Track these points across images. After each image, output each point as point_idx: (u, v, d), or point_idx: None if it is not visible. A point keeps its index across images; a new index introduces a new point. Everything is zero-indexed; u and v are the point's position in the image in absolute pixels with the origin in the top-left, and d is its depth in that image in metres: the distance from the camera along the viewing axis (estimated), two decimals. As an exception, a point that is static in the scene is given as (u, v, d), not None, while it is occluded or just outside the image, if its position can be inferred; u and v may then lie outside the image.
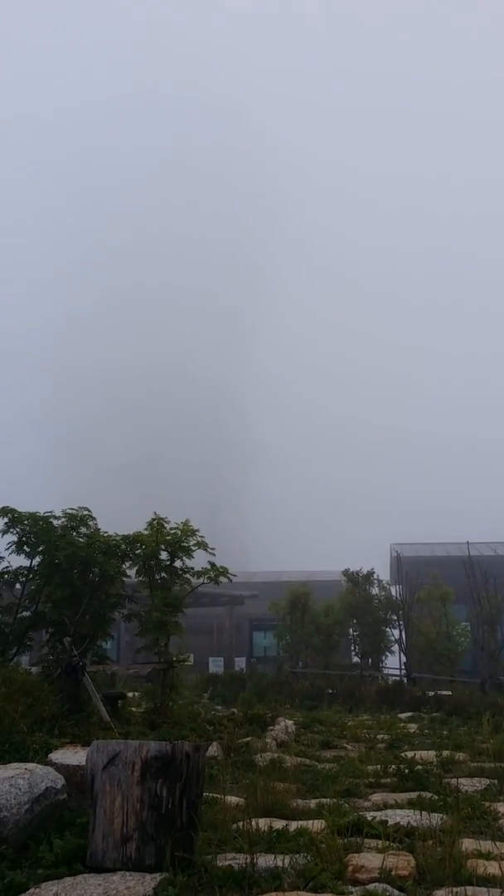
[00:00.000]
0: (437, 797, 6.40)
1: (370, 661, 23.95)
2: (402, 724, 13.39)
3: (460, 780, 7.31)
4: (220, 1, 79.51)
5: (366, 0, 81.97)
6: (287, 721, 12.14)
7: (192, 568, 11.50)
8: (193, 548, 11.34)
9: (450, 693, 17.80)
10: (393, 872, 4.22)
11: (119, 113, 76.76)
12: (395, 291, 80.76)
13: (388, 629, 24.30)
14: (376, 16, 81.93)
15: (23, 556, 10.74)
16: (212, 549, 11.44)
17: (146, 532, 11.26)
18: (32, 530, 10.58)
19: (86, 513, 11.12)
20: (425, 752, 9.50)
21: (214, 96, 79.20)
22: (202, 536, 11.41)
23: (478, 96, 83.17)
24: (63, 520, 10.90)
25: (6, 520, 10.57)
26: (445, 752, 9.29)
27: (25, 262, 73.57)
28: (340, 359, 77.34)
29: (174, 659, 11.29)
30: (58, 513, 10.95)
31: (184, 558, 11.39)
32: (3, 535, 10.61)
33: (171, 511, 11.67)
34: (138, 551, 11.18)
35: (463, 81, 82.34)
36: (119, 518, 12.76)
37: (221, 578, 11.45)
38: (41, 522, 10.62)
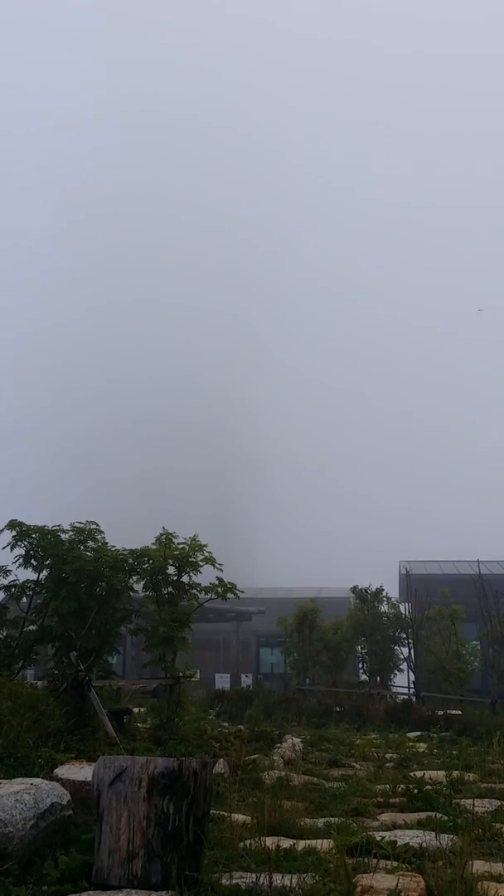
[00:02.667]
0: (447, 818, 6.32)
1: (378, 679, 23.76)
2: (410, 744, 13.26)
3: (470, 800, 7.21)
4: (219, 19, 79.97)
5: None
6: (294, 739, 12.03)
7: (200, 583, 11.44)
8: (201, 563, 11.29)
9: (459, 713, 17.63)
10: (402, 894, 4.14)
11: (130, 124, 77.39)
12: (411, 301, 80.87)
13: (396, 647, 24.12)
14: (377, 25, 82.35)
15: (30, 569, 10.72)
16: (219, 564, 11.39)
17: (154, 546, 11.22)
18: (40, 544, 10.56)
19: (93, 527, 11.10)
20: (435, 772, 9.39)
21: (214, 103, 79.89)
22: (210, 552, 11.36)
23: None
24: (71, 533, 10.88)
25: (14, 533, 10.55)
26: (455, 773, 9.19)
27: (35, 276, 73.98)
28: (351, 375, 77.37)
29: (181, 674, 11.22)
30: (66, 526, 10.94)
31: (191, 573, 11.34)
32: (11, 548, 10.59)
33: (180, 525, 11.64)
34: (146, 566, 11.14)
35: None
36: (127, 531, 12.75)
37: (229, 594, 11.39)
38: (49, 536, 10.60)
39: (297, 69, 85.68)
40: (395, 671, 24.30)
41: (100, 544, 10.94)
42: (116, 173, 75.21)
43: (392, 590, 29.29)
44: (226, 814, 5.80)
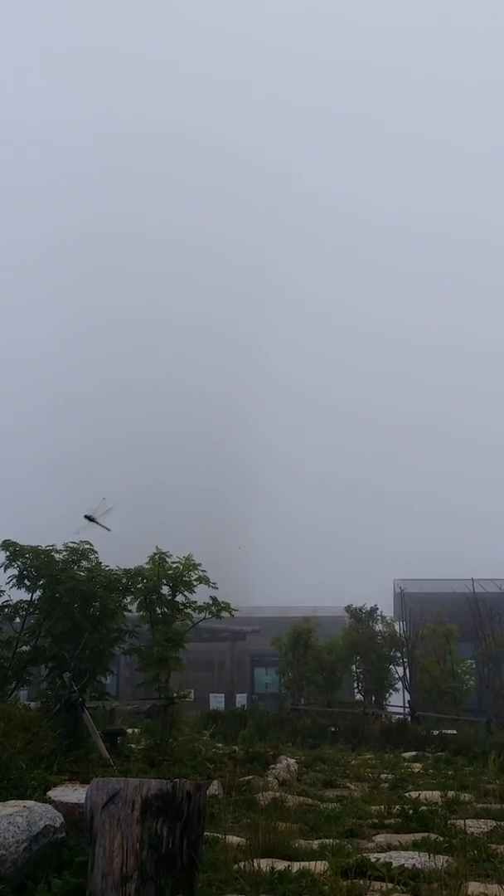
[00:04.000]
0: (442, 839, 6.29)
1: (373, 698, 23.67)
2: (406, 764, 13.19)
3: (466, 821, 7.19)
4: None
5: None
6: (289, 759, 11.96)
7: (194, 602, 11.42)
8: (195, 582, 11.27)
9: (455, 732, 17.57)
10: (398, 916, 4.12)
11: (125, 128, 77.92)
12: (405, 318, 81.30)
13: (391, 666, 24.06)
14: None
15: (23, 589, 10.69)
16: (214, 583, 11.37)
17: (147, 566, 11.21)
18: (33, 564, 10.54)
19: (87, 546, 11.10)
20: (430, 792, 9.35)
21: (212, 108, 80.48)
22: (204, 571, 11.35)
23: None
24: (64, 553, 10.87)
25: (7, 553, 10.54)
26: (450, 793, 9.15)
27: (29, 287, 74.07)
28: (350, 392, 77.48)
29: (175, 695, 11.17)
30: (59, 546, 10.93)
31: (185, 593, 11.32)
32: (4, 569, 10.57)
33: (174, 544, 11.62)
34: (139, 585, 11.12)
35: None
36: (120, 549, 12.70)
37: (223, 613, 11.37)
38: (42, 556, 10.59)
39: (297, 69, 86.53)
40: (391, 690, 24.21)
41: (93, 564, 10.93)
42: (111, 178, 75.41)
43: (387, 608, 29.27)
44: (220, 836, 5.77)
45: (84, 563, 10.89)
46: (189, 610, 11.42)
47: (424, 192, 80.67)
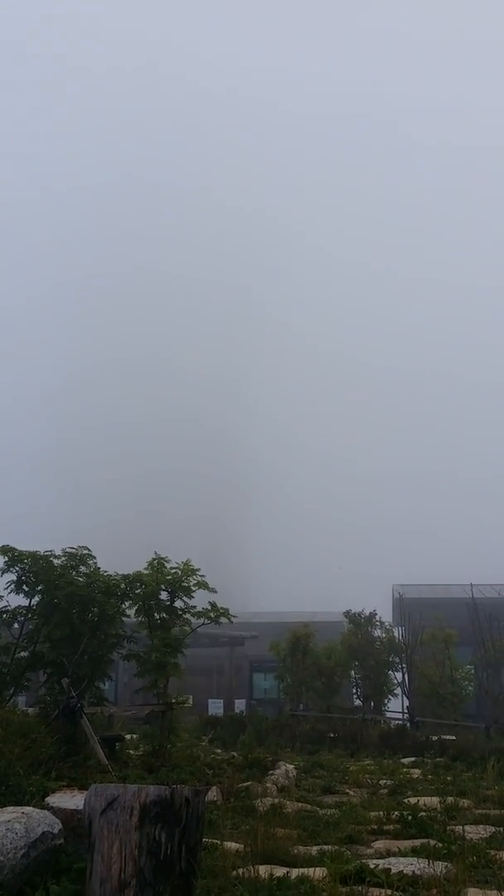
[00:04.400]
0: (441, 845, 6.27)
1: (372, 704, 23.64)
2: (405, 770, 13.17)
3: (465, 827, 7.17)
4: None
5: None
6: (288, 765, 11.94)
7: (193, 608, 11.41)
8: (194, 588, 11.27)
9: (454, 738, 17.54)
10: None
11: (125, 137, 78.11)
12: (395, 329, 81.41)
13: (390, 672, 24.02)
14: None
15: (21, 595, 10.68)
16: (212, 589, 11.37)
17: (146, 571, 11.20)
18: (32, 569, 10.53)
19: (86, 552, 11.08)
20: (429, 798, 9.32)
21: (212, 103, 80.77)
22: (203, 576, 11.35)
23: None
24: (63, 559, 10.86)
25: (6, 559, 10.52)
26: (449, 799, 9.13)
27: (25, 294, 74.16)
28: (346, 398, 77.61)
29: (173, 701, 11.16)
30: (58, 552, 10.91)
31: (184, 598, 11.32)
32: (2, 574, 10.56)
33: (172, 549, 11.64)
34: (138, 591, 11.11)
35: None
36: (119, 555, 12.71)
37: (222, 619, 11.35)
38: (41, 561, 10.58)
39: (295, 74, 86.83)
40: (389, 696, 24.18)
41: (92, 569, 10.92)
42: (110, 173, 75.46)
43: (385, 614, 29.24)
44: (218, 842, 5.75)
45: (82, 568, 10.88)
46: (188, 615, 11.41)
47: (431, 150, 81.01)
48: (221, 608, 11.33)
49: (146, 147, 78.48)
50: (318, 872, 5.14)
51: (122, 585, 10.98)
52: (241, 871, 5.07)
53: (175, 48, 78.38)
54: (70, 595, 10.20)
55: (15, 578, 10.55)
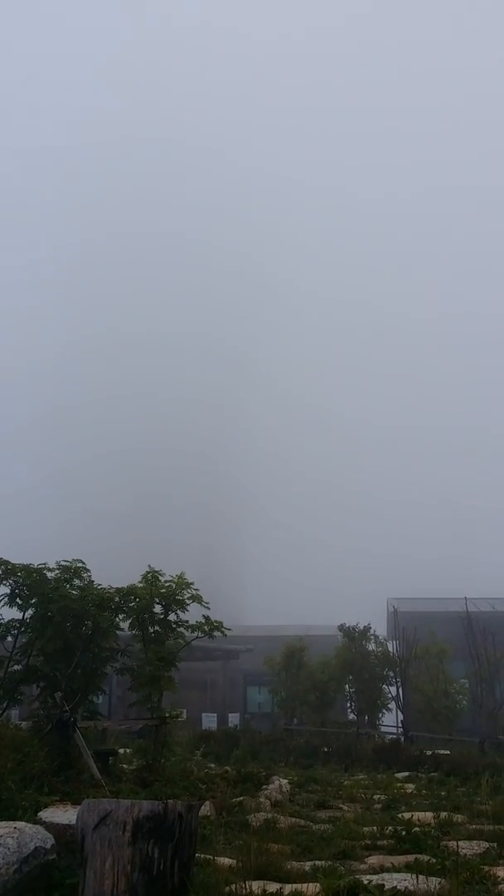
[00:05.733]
0: (435, 860, 6.26)
1: (367, 718, 23.57)
2: (399, 785, 13.13)
3: (459, 842, 7.15)
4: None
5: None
6: (281, 780, 11.89)
7: (187, 621, 11.38)
8: (188, 601, 11.24)
9: (448, 752, 17.50)
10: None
11: (125, 164, 78.47)
12: (383, 339, 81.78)
13: (385, 686, 23.97)
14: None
15: (15, 608, 10.64)
16: (207, 602, 11.34)
17: (140, 585, 11.18)
18: (25, 582, 10.49)
19: (80, 565, 11.05)
20: (423, 813, 9.31)
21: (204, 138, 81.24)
22: (197, 589, 11.32)
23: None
24: (57, 572, 10.82)
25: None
26: (443, 814, 9.11)
27: (20, 301, 74.33)
28: (340, 412, 77.71)
29: (167, 715, 11.11)
30: (52, 565, 10.88)
31: (178, 612, 11.29)
32: (-4, 587, 10.53)
33: (167, 562, 11.62)
34: (132, 604, 11.08)
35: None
36: (113, 568, 12.69)
37: (216, 633, 11.33)
38: (34, 574, 10.54)
39: (296, 79, 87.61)
40: (384, 710, 24.11)
41: (86, 582, 10.88)
42: (105, 199, 75.90)
43: (380, 627, 29.23)
44: (211, 857, 5.73)
45: (76, 581, 10.85)
46: (182, 629, 11.38)
47: (419, 197, 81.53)
48: (216, 621, 11.30)
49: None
50: (311, 888, 5.13)
51: (116, 599, 10.95)
52: (234, 886, 5.05)
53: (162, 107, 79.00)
54: (64, 608, 10.17)
55: (8, 591, 10.51)
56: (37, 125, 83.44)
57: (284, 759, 17.45)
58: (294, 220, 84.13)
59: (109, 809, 4.35)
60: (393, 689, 23.46)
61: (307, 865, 6.13)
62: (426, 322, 79.14)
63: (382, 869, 6.17)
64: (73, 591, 10.60)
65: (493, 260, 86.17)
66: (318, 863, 6.17)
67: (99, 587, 10.90)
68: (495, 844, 7.27)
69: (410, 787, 12.82)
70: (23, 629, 10.61)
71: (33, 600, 10.46)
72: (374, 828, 8.15)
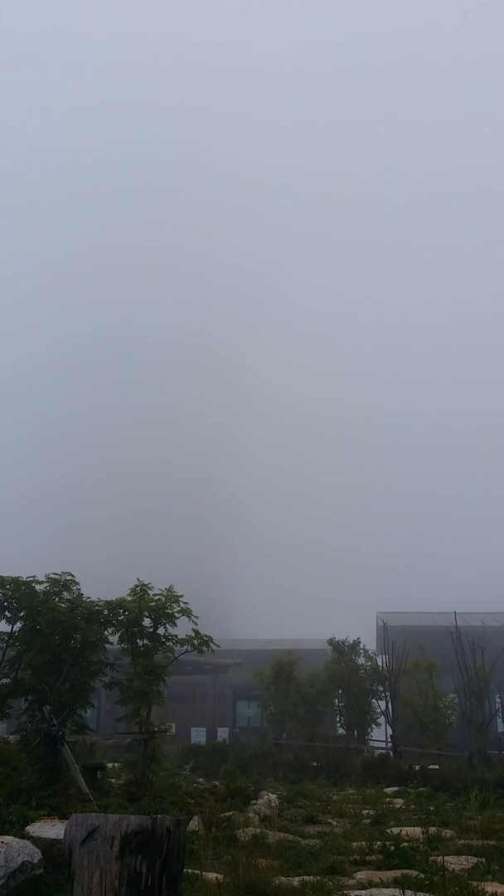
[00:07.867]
0: (423, 876, 6.25)
1: (356, 732, 23.51)
2: (387, 799, 13.10)
3: (447, 858, 7.15)
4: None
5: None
6: (270, 795, 11.85)
7: (176, 635, 11.36)
8: (177, 615, 11.23)
9: (437, 767, 17.46)
10: None
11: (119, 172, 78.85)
12: (372, 346, 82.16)
13: (374, 700, 23.92)
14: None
15: (3, 621, 10.61)
16: (195, 616, 11.33)
17: (129, 598, 11.16)
18: (14, 595, 10.47)
19: (69, 578, 11.04)
20: (411, 828, 9.29)
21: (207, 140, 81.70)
22: (186, 603, 11.32)
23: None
24: (46, 585, 10.80)
25: (-12, 584, 10.46)
26: (432, 829, 9.10)
27: (14, 311, 74.30)
28: (330, 423, 77.89)
29: (155, 729, 11.07)
30: (41, 577, 10.86)
31: (167, 625, 11.27)
32: (-16, 600, 10.49)
33: (157, 576, 11.60)
34: (121, 617, 11.06)
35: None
36: (103, 582, 12.66)
37: (205, 647, 11.31)
38: (23, 587, 10.53)
39: (290, 91, 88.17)
40: (373, 725, 24.05)
41: (75, 595, 10.86)
42: (100, 211, 76.11)
43: (369, 641, 29.18)
44: (199, 872, 5.71)
45: (66, 594, 10.83)
46: (171, 643, 11.36)
47: (412, 204, 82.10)
48: (205, 635, 11.29)
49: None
50: (299, 903, 5.12)
51: (105, 612, 10.93)
52: (222, 902, 5.03)
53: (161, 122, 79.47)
54: (52, 621, 10.14)
55: (-3, 604, 10.49)
56: (38, 135, 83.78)
57: (273, 774, 17.38)
58: (286, 231, 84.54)
59: (97, 824, 4.34)
60: (382, 704, 23.41)
61: (296, 881, 6.11)
62: (419, 333, 79.57)
63: (371, 884, 6.16)
64: (62, 604, 10.58)
65: (492, 267, 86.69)
66: (306, 878, 6.15)
67: (88, 600, 10.87)
68: (484, 859, 7.27)
69: (399, 802, 12.79)
70: (11, 642, 10.57)
71: (22, 613, 10.44)
72: (363, 843, 8.13)
